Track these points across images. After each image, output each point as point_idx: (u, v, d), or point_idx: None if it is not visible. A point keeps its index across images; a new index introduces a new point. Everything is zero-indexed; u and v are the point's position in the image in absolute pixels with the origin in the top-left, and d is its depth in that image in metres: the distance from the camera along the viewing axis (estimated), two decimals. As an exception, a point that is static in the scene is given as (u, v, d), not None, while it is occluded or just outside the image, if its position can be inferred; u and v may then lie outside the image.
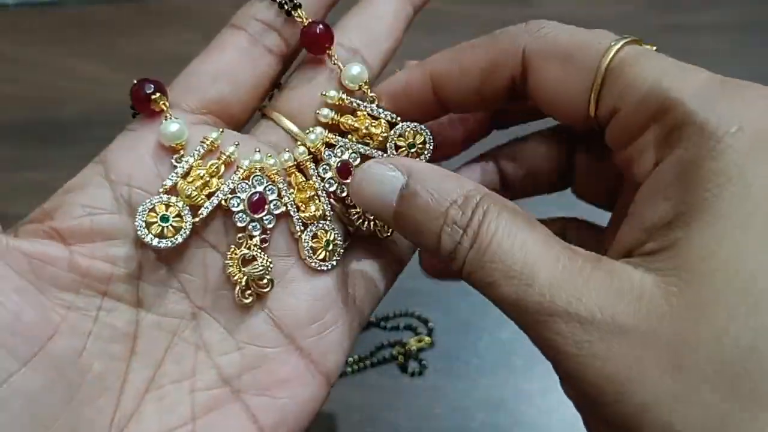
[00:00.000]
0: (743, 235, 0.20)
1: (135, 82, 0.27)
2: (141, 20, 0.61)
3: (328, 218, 0.28)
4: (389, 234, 0.29)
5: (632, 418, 0.21)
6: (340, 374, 0.36)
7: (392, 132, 0.28)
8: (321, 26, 0.28)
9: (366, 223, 0.28)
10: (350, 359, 0.41)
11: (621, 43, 0.25)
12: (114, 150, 0.26)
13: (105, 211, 0.25)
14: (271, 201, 0.27)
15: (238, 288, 0.26)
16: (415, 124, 0.29)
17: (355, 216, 0.28)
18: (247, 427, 0.25)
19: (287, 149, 0.28)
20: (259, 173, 0.27)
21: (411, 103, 0.29)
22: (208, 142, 0.26)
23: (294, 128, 0.28)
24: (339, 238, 0.27)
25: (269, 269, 0.26)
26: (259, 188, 0.27)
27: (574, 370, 0.21)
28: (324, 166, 0.28)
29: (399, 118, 0.29)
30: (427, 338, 0.41)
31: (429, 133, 0.29)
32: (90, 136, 0.54)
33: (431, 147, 0.29)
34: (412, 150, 0.28)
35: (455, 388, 0.41)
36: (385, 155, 0.28)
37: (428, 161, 0.28)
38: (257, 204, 0.26)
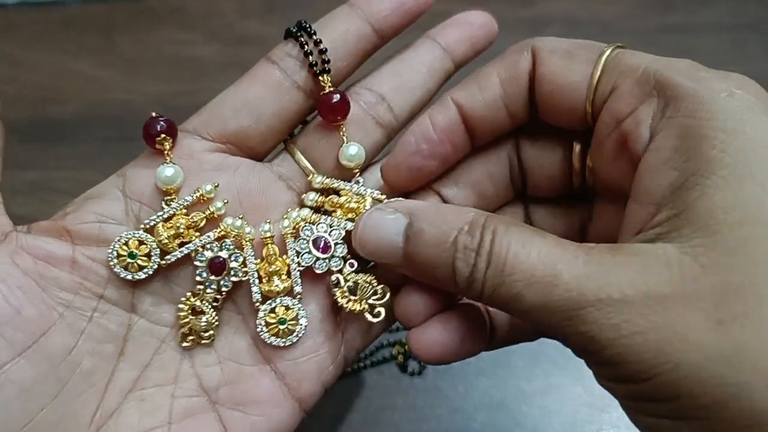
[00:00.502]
0: (758, 183, 0.21)
1: (152, 115, 0.28)
2: (139, 20, 0.61)
3: (297, 297, 0.28)
4: (378, 318, 0.29)
5: (686, 382, 0.20)
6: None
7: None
8: (338, 96, 0.29)
9: (351, 303, 0.28)
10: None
11: (615, 45, 0.27)
12: (136, 167, 0.28)
13: (114, 222, 0.28)
14: (232, 268, 0.28)
15: (180, 331, 0.28)
16: (401, 199, 0.29)
17: (341, 297, 0.28)
18: None
19: (269, 221, 0.28)
20: (230, 240, 0.28)
21: (441, 141, 0.28)
22: (197, 194, 0.28)
23: (308, 165, 0.30)
24: (303, 319, 0.28)
25: (212, 326, 0.28)
26: (223, 254, 0.28)
27: (616, 354, 0.21)
28: (301, 240, 0.28)
29: (384, 196, 0.29)
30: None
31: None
32: (88, 136, 0.54)
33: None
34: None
35: (455, 389, 0.41)
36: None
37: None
38: (217, 267, 0.28)
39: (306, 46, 0.29)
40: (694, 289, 0.21)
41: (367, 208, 0.28)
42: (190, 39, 0.60)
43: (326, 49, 0.29)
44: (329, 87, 0.29)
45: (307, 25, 0.29)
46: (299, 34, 0.29)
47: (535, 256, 0.23)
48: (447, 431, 0.40)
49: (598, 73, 0.26)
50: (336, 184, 0.29)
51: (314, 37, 0.29)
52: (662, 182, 0.23)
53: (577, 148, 0.28)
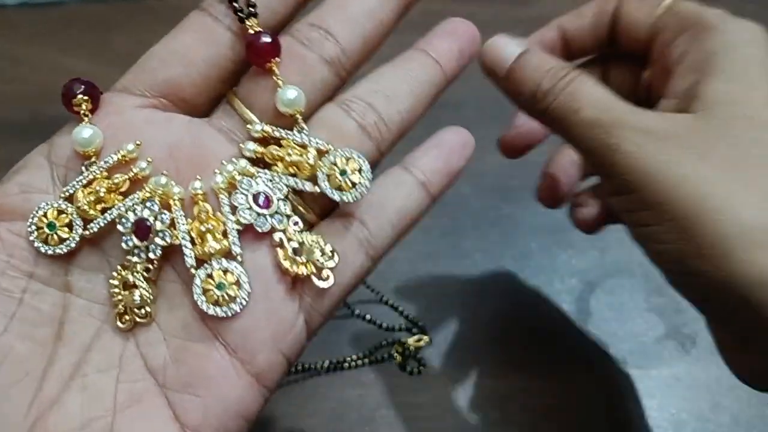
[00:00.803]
0: (748, 75, 0.30)
1: (71, 79, 0.27)
2: (137, 18, 0.61)
3: (237, 259, 0.25)
4: (326, 282, 0.26)
5: (668, 192, 0.28)
6: (333, 368, 0.36)
7: (322, 161, 0.26)
8: (267, 38, 0.26)
9: (296, 266, 0.26)
10: (348, 358, 0.41)
11: None
12: (62, 132, 0.27)
13: (39, 191, 0.25)
14: (158, 231, 0.25)
15: (115, 310, 0.25)
16: (349, 149, 0.27)
17: (284, 259, 0.26)
18: (168, 423, 0.24)
19: (199, 177, 0.26)
20: (156, 198, 0.25)
21: (545, 48, 0.37)
22: (119, 155, 0.26)
23: (249, 114, 0.27)
24: (245, 284, 0.25)
25: (147, 301, 0.25)
26: (146, 214, 0.25)
27: (633, 163, 0.28)
28: (239, 194, 0.26)
29: (331, 146, 0.26)
30: (425, 337, 0.41)
31: (364, 160, 0.27)
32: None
33: (369, 175, 0.27)
34: (344, 177, 0.26)
35: (453, 388, 0.41)
36: (315, 186, 0.26)
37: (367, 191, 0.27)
38: (142, 231, 0.25)
39: None
40: (687, 134, 0.29)
41: (310, 160, 0.26)
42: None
43: None
44: (255, 29, 0.27)
45: None
46: None
47: (602, 93, 0.30)
48: (444, 430, 0.40)
49: (659, 13, 0.34)
50: (277, 132, 0.27)
51: None
52: (685, 81, 0.31)
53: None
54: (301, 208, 0.27)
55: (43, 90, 0.56)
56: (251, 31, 0.27)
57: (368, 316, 0.43)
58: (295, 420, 0.40)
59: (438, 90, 0.30)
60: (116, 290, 0.25)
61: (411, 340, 0.40)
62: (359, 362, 0.41)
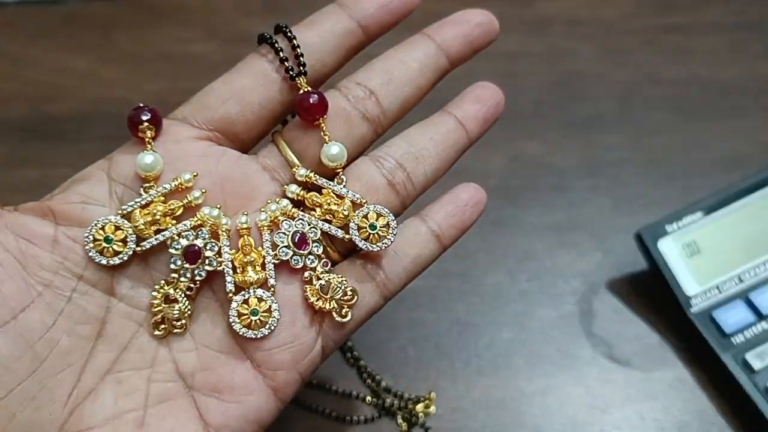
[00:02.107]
0: None
1: (138, 105, 0.29)
2: (138, 17, 0.61)
3: (271, 289, 0.29)
4: (345, 318, 0.29)
5: None
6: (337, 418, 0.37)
7: (356, 213, 0.30)
8: (315, 97, 0.30)
9: (322, 301, 0.29)
10: (354, 417, 0.41)
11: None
12: (122, 152, 0.29)
13: (97, 203, 0.28)
14: (207, 257, 0.28)
15: (153, 319, 0.28)
16: (380, 207, 0.30)
17: (312, 295, 0.29)
18: (193, 422, 0.27)
19: (246, 212, 0.29)
20: (206, 227, 0.29)
21: None
22: (177, 183, 0.29)
23: (293, 157, 0.30)
24: (275, 312, 0.28)
25: (185, 315, 0.28)
26: (198, 243, 0.28)
27: None
28: (280, 234, 0.29)
29: (365, 200, 0.30)
30: (433, 407, 0.40)
31: (392, 217, 0.30)
32: (88, 133, 0.54)
33: (395, 231, 0.30)
34: (373, 231, 0.30)
35: (455, 389, 0.41)
36: (346, 234, 0.30)
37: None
38: (191, 256, 0.28)
39: (281, 53, 0.30)
40: None
41: (345, 211, 0.29)
42: (190, 37, 0.59)
43: (302, 53, 0.30)
44: (305, 88, 0.30)
45: (286, 28, 0.31)
46: (270, 40, 0.31)
47: None
48: (446, 430, 0.40)
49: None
50: (320, 181, 0.30)
51: (293, 42, 0.30)
52: None
53: None
54: (329, 249, 0.30)
55: (44, 88, 0.56)
56: (302, 89, 0.30)
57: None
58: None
59: (461, 152, 0.33)
60: (157, 302, 0.28)
61: (419, 407, 0.40)
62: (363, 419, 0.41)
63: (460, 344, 0.43)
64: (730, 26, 0.62)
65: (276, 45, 0.30)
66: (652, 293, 0.44)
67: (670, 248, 0.43)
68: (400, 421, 0.40)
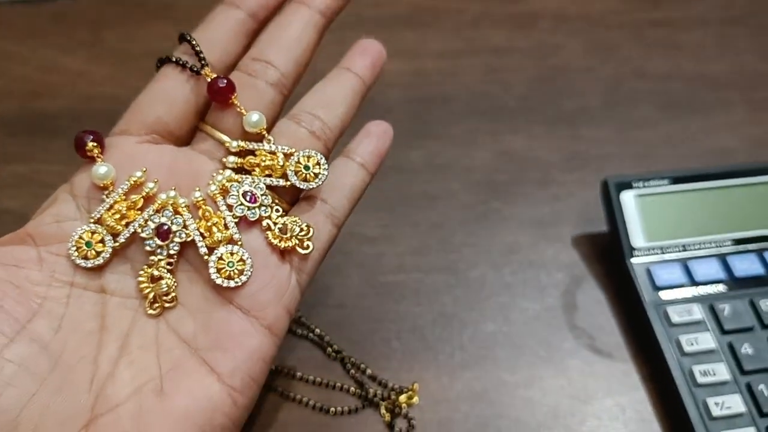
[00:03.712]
0: None
1: (79, 132, 0.33)
2: (127, 15, 0.61)
3: (238, 242, 0.32)
4: (307, 250, 0.33)
5: None
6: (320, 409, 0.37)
7: (289, 162, 0.34)
8: (223, 81, 0.34)
9: (283, 241, 0.33)
10: (332, 409, 0.41)
11: None
12: (79, 173, 0.33)
13: (69, 219, 0.32)
14: (175, 231, 0.32)
15: (147, 300, 0.32)
16: (308, 150, 0.34)
17: (273, 238, 0.33)
18: (207, 377, 0.30)
19: (198, 188, 0.33)
20: (169, 207, 0.32)
21: None
22: (131, 181, 0.32)
23: (221, 135, 0.34)
24: (248, 259, 0.32)
25: (172, 288, 0.32)
26: (164, 220, 0.32)
27: None
28: (232, 196, 0.33)
29: (294, 149, 0.34)
30: (416, 398, 0.41)
31: (321, 156, 0.34)
32: (76, 130, 0.54)
33: (326, 166, 0.34)
34: (308, 171, 0.34)
35: (438, 380, 0.42)
36: (287, 181, 0.34)
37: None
38: (163, 234, 0.32)
39: (180, 59, 0.35)
40: None
41: (280, 163, 0.34)
42: (176, 34, 0.60)
43: (200, 50, 0.35)
44: (211, 76, 0.34)
45: (186, 34, 0.36)
46: (183, 41, 0.36)
47: None
48: (430, 423, 0.40)
49: None
50: (251, 146, 0.34)
51: (192, 42, 0.35)
52: None
53: None
54: (276, 200, 0.34)
55: (34, 86, 0.56)
56: (209, 78, 0.34)
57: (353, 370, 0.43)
58: None
59: (362, 96, 0.37)
60: (145, 284, 0.31)
61: (402, 398, 0.40)
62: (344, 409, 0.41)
63: (444, 336, 0.43)
64: (716, 21, 0.63)
65: (192, 41, 0.35)
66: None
67: (630, 201, 0.45)
68: (383, 411, 0.40)
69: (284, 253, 0.33)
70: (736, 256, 0.45)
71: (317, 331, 0.43)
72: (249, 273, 0.31)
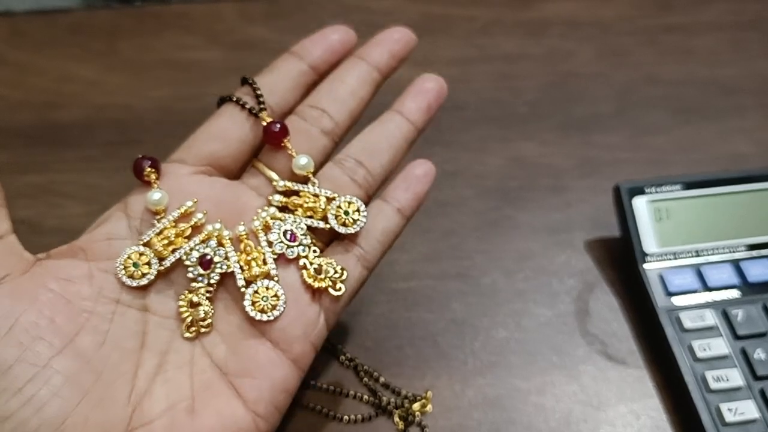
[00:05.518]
0: None
1: (138, 157, 0.35)
2: (142, 25, 0.62)
3: (275, 278, 0.34)
4: (339, 292, 0.35)
5: None
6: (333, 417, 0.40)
7: (330, 206, 0.36)
8: (278, 125, 0.36)
9: (317, 281, 0.34)
10: (346, 417, 0.41)
11: None
12: (134, 194, 0.35)
13: (120, 238, 0.34)
14: (217, 262, 0.34)
15: (184, 324, 0.33)
16: (350, 196, 0.36)
17: (308, 277, 0.34)
18: (234, 400, 0.32)
19: (242, 222, 0.35)
20: (213, 239, 0.34)
21: None
22: (182, 210, 0.34)
23: (271, 173, 0.37)
24: (282, 295, 0.34)
25: (209, 315, 0.34)
26: (208, 251, 0.34)
27: None
28: (273, 233, 0.35)
29: (336, 194, 0.36)
30: (429, 406, 0.41)
31: (361, 203, 0.36)
32: (92, 140, 0.55)
33: (365, 213, 0.36)
34: (347, 217, 0.35)
35: (451, 388, 0.42)
36: (326, 224, 0.35)
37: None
38: (205, 263, 0.34)
39: (241, 100, 0.37)
40: None
41: (322, 206, 0.35)
42: (193, 44, 0.60)
43: (261, 94, 0.37)
44: (268, 120, 0.36)
45: (249, 79, 0.38)
46: (245, 84, 0.38)
47: None
48: (442, 429, 0.40)
49: None
50: (296, 187, 0.36)
51: (253, 86, 0.37)
52: None
53: None
54: (314, 240, 0.36)
55: (49, 96, 0.57)
56: (265, 122, 0.36)
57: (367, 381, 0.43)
58: None
59: (411, 142, 0.39)
60: (184, 308, 0.33)
61: (416, 406, 0.41)
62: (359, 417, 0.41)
63: (457, 343, 0.44)
64: (728, 25, 0.63)
65: (254, 86, 0.37)
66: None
67: (642, 207, 0.45)
68: (396, 419, 0.40)
69: (316, 292, 0.35)
70: (749, 262, 0.44)
71: (330, 339, 0.43)
72: (282, 309, 0.33)
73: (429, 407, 0.40)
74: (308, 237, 0.35)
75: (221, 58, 0.60)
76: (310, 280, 0.34)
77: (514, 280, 0.47)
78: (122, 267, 0.33)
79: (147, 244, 0.34)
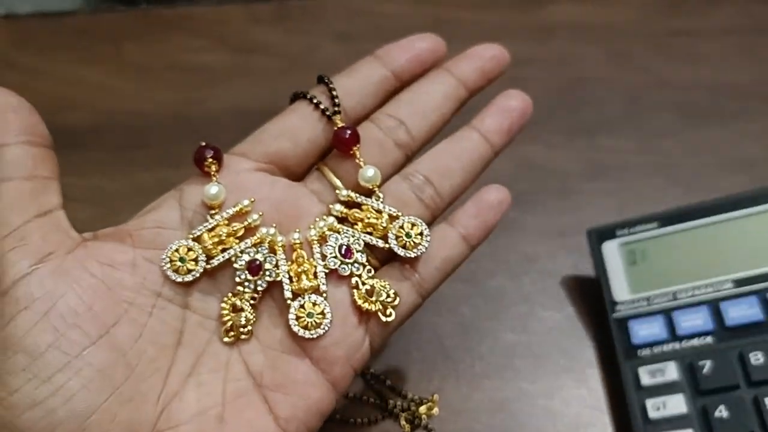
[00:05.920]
0: None
1: (200, 144, 0.33)
2: (148, 28, 0.62)
3: (323, 295, 0.32)
4: (389, 318, 0.33)
5: None
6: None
7: (393, 224, 0.33)
8: (349, 131, 0.34)
9: (368, 303, 0.32)
10: (352, 420, 0.41)
11: None
12: (191, 183, 0.33)
13: (171, 228, 0.32)
14: (266, 269, 0.32)
15: (223, 327, 0.32)
16: (414, 217, 0.34)
17: (359, 298, 0.32)
18: (265, 415, 0.30)
19: (298, 230, 0.33)
20: (266, 244, 0.33)
21: None
22: (237, 208, 0.33)
23: (336, 180, 0.34)
24: (328, 314, 0.32)
25: (250, 322, 0.32)
26: (259, 257, 0.32)
27: None
28: (329, 246, 0.33)
29: (400, 213, 0.34)
30: (436, 409, 0.40)
31: (425, 226, 0.33)
32: (100, 143, 0.55)
33: (428, 238, 0.33)
34: (409, 239, 0.33)
35: (458, 391, 0.41)
36: (386, 243, 0.33)
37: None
38: (254, 269, 0.32)
39: (315, 99, 0.35)
40: None
41: (383, 224, 0.33)
42: (200, 46, 0.60)
43: (336, 95, 0.35)
44: (340, 124, 0.34)
45: (325, 77, 0.35)
46: (321, 82, 0.36)
47: None
48: (450, 433, 0.40)
49: None
50: (359, 199, 0.34)
51: (330, 86, 0.35)
52: None
53: None
54: (370, 257, 0.34)
55: (56, 100, 0.57)
56: (337, 125, 0.34)
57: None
58: None
59: (487, 164, 0.36)
60: (226, 311, 0.32)
61: (422, 409, 0.40)
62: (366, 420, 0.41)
63: (464, 347, 0.43)
64: (737, 29, 0.62)
65: (330, 85, 0.35)
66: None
67: (612, 252, 0.43)
68: (403, 423, 0.40)
69: (364, 314, 0.33)
70: (730, 302, 0.39)
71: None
72: (326, 328, 0.32)
73: (436, 410, 0.40)
74: (364, 255, 0.33)
75: (228, 61, 0.60)
76: (360, 301, 0.32)
77: (521, 283, 0.46)
78: (168, 260, 0.31)
79: (197, 240, 0.32)
